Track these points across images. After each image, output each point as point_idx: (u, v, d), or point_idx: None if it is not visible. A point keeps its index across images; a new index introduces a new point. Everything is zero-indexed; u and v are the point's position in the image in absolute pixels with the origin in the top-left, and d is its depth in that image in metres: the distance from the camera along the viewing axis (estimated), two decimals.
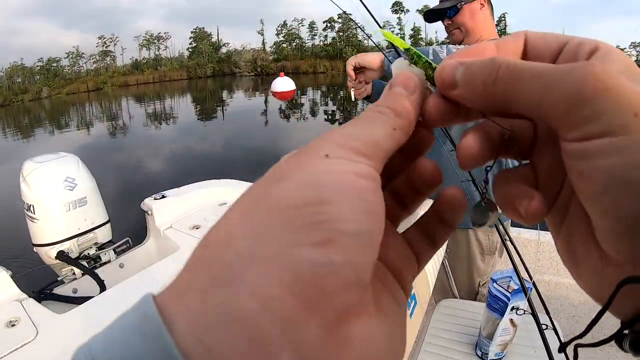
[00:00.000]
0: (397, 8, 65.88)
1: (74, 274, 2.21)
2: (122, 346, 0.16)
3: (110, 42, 69.23)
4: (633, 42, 61.91)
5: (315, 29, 70.97)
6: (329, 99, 29.49)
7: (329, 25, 68.71)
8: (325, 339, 0.16)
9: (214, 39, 70.14)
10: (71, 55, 65.41)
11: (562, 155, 0.20)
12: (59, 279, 2.21)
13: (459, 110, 0.24)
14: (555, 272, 2.26)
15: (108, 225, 2.49)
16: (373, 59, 1.56)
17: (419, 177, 0.25)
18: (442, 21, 1.81)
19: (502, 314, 1.21)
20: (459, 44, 1.74)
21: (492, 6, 1.78)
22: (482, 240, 1.85)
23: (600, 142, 0.18)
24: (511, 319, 1.23)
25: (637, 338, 0.18)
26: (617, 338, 0.19)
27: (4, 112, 38.82)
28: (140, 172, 10.75)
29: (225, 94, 37.34)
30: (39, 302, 1.69)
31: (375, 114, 0.22)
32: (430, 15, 1.85)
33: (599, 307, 0.20)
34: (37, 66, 61.27)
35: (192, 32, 69.46)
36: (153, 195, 2.56)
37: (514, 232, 2.31)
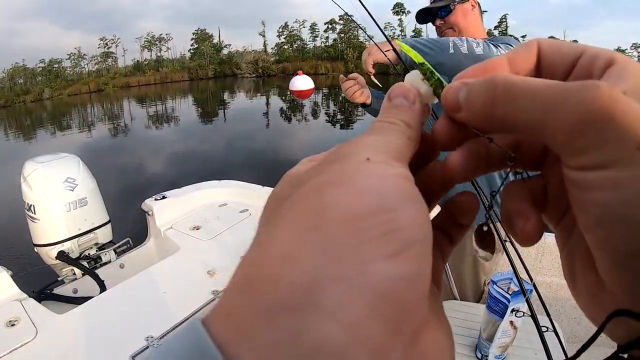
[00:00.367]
0: (398, 9, 65.93)
1: (74, 274, 2.22)
2: None
3: (112, 43, 69.42)
4: (635, 43, 61.76)
5: (317, 30, 71.09)
6: (330, 100, 29.47)
7: (330, 26, 68.76)
8: (408, 356, 0.15)
9: (216, 41, 70.25)
10: (73, 57, 65.53)
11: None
12: (59, 279, 2.21)
13: (467, 132, 0.23)
14: (557, 273, 2.25)
15: (109, 226, 2.49)
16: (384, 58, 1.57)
17: (459, 210, 0.25)
18: (433, 22, 1.82)
19: (502, 316, 1.21)
20: None
21: (480, 6, 1.79)
22: None
23: (597, 175, 0.17)
24: (511, 321, 1.23)
25: None
26: None
27: (6, 113, 38.89)
28: (141, 172, 10.76)
29: (226, 95, 37.36)
30: (39, 302, 1.70)
31: (388, 125, 0.22)
32: (421, 15, 1.85)
33: None
34: (38, 67, 61.42)
35: (193, 34, 69.61)
36: (154, 196, 2.57)
37: None
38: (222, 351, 0.14)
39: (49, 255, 2.23)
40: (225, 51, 69.65)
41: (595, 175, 0.17)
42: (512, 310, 1.20)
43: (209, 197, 2.72)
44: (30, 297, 1.71)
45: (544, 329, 0.84)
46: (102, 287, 2.04)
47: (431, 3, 1.81)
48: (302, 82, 2.98)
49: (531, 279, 0.95)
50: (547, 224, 0.23)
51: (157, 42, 71.69)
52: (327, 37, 69.88)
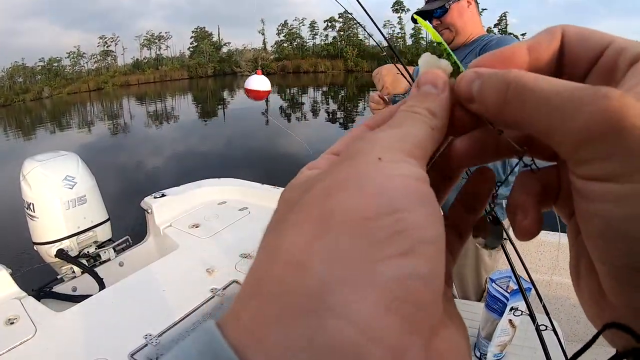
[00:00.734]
0: (398, 7, 65.83)
1: (73, 272, 2.22)
2: None
3: (112, 41, 69.24)
4: None
5: (316, 28, 70.98)
6: (329, 98, 29.47)
7: (329, 24, 68.69)
8: (425, 357, 0.15)
9: (215, 39, 70.14)
10: (72, 55, 65.39)
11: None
12: (58, 277, 2.21)
13: (479, 120, 0.22)
14: (557, 272, 2.25)
15: (108, 224, 2.49)
16: (400, 87, 1.58)
17: (475, 186, 0.25)
18: (431, 22, 1.81)
19: (500, 315, 1.21)
20: (449, 43, 1.74)
21: (477, 2, 1.78)
22: None
23: (601, 186, 0.17)
24: (510, 320, 1.23)
25: None
26: None
27: (5, 112, 38.84)
28: (141, 170, 10.76)
29: (226, 94, 37.34)
30: (39, 300, 1.70)
31: (411, 115, 0.21)
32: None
33: None
34: (38, 66, 61.28)
35: (193, 32, 69.53)
36: (153, 194, 2.57)
37: None
38: (237, 353, 0.14)
39: (48, 253, 2.23)
40: (224, 49, 69.62)
41: (599, 187, 0.17)
42: (511, 309, 1.20)
43: (208, 195, 2.72)
44: (29, 295, 1.71)
45: (542, 327, 0.84)
46: (101, 285, 2.04)
47: (426, 4, 1.80)
48: (258, 83, 2.76)
49: (530, 278, 0.95)
50: (559, 215, 0.23)
51: (156, 41, 71.57)
52: (327, 35, 69.82)
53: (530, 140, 0.23)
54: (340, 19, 64.24)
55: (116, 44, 69.39)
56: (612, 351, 0.18)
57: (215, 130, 17.63)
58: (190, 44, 69.43)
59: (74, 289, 2.18)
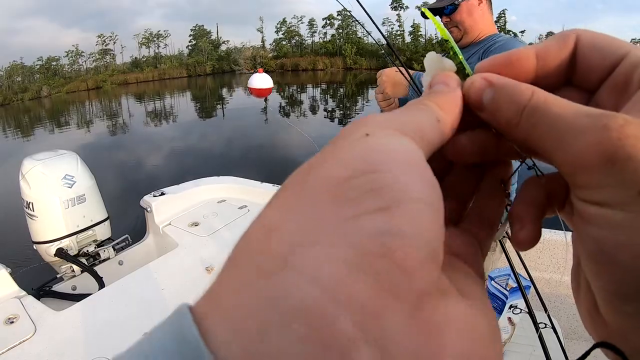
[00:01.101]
0: (397, 5, 65.71)
1: (73, 271, 2.22)
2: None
3: (110, 40, 69.05)
4: (633, 39, 61.79)
5: (315, 26, 70.86)
6: (328, 96, 29.45)
7: (328, 22, 68.57)
8: (411, 327, 0.13)
9: (214, 37, 70.03)
10: (71, 54, 65.20)
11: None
12: (58, 276, 2.21)
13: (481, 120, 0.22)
14: (556, 269, 2.25)
15: (107, 223, 2.49)
16: (400, 92, 1.57)
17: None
18: (440, 19, 1.80)
19: (500, 313, 1.21)
20: (457, 41, 1.73)
21: (490, 1, 1.77)
22: None
23: (597, 211, 0.17)
24: (509, 318, 1.23)
25: None
26: None
27: (4, 111, 38.75)
28: (140, 169, 10.75)
29: (224, 92, 37.30)
30: (38, 299, 1.70)
31: (417, 106, 0.20)
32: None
33: None
34: (36, 65, 61.09)
35: (191, 30, 69.42)
36: (152, 193, 2.57)
37: None
38: (195, 319, 0.13)
39: (48, 252, 2.23)
40: (223, 47, 69.47)
41: (595, 211, 0.17)
42: (510, 307, 1.20)
43: (207, 194, 2.72)
44: (29, 294, 1.71)
45: (542, 325, 0.84)
46: (101, 284, 2.04)
47: (437, 0, 1.78)
48: (260, 81, 2.85)
49: (529, 276, 0.95)
50: (566, 222, 0.22)
51: (155, 39, 71.39)
52: (325, 33, 69.72)
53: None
54: (339, 17, 64.18)
55: (114, 43, 69.24)
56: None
57: (214, 129, 17.62)
58: (189, 42, 69.38)
59: (74, 288, 2.18)
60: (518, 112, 0.19)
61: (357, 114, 17.84)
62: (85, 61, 65.97)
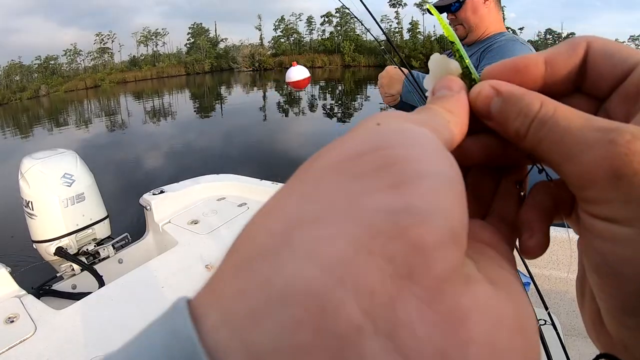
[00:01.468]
0: (395, 2, 65.56)
1: (72, 270, 2.22)
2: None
3: (108, 39, 68.92)
4: (632, 36, 61.80)
5: (314, 23, 70.73)
6: (327, 93, 29.41)
7: (326, 19, 68.43)
8: (430, 316, 0.12)
9: (212, 35, 69.91)
10: (69, 53, 65.09)
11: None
12: (57, 275, 2.21)
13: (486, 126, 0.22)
14: (556, 266, 2.25)
15: (107, 221, 2.49)
16: (394, 88, 1.58)
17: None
18: (446, 17, 1.78)
19: None
20: (462, 39, 1.72)
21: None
22: None
23: (603, 225, 0.17)
24: None
25: None
26: None
27: (3, 110, 38.71)
28: (139, 167, 10.74)
29: (223, 90, 37.25)
30: (38, 298, 1.70)
31: (426, 110, 0.20)
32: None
33: None
34: (35, 64, 61.02)
35: (190, 28, 69.27)
36: (152, 191, 2.57)
37: None
38: (190, 306, 0.12)
39: (48, 251, 2.23)
40: (221, 45, 69.34)
41: (600, 225, 0.17)
42: None
43: (207, 192, 2.72)
44: (29, 293, 1.71)
45: (541, 322, 0.84)
46: (101, 283, 2.04)
47: None
48: (297, 73, 2.95)
49: (529, 272, 0.95)
50: (573, 229, 0.22)
51: (153, 37, 71.22)
52: (324, 30, 69.58)
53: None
54: (337, 14, 64.02)
55: (113, 41, 69.11)
56: None
57: (213, 127, 17.61)
58: (187, 40, 69.24)
59: (74, 287, 2.19)
60: (526, 124, 0.19)
61: (356, 110, 17.84)
62: (83, 60, 65.88)
